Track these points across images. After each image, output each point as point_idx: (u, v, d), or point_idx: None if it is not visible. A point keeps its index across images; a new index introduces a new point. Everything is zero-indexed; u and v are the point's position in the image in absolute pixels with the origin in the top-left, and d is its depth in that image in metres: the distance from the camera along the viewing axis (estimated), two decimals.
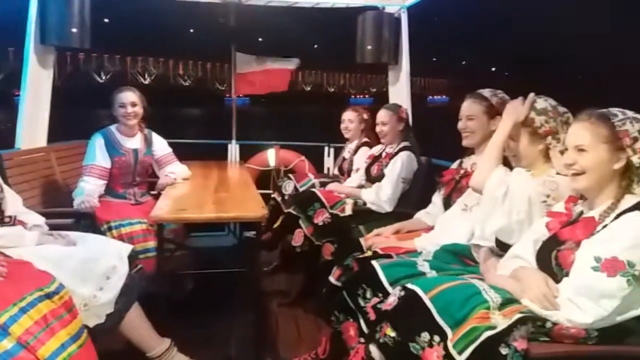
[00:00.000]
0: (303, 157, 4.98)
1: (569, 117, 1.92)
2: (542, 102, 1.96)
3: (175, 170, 3.39)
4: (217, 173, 3.78)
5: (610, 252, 1.40)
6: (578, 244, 1.52)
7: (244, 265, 3.26)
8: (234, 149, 4.89)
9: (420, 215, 2.71)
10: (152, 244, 2.79)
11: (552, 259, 1.58)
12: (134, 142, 3.28)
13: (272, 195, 3.76)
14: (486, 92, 2.42)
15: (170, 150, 3.48)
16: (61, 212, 2.96)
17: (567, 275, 1.51)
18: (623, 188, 1.52)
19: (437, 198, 2.65)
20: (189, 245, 3.27)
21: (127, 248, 2.24)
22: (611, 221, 1.49)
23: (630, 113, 1.54)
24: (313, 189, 3.35)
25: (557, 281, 1.54)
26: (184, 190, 3.18)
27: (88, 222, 2.86)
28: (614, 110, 1.56)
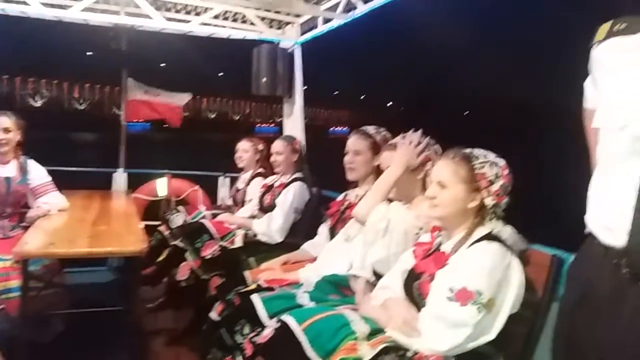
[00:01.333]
0: (196, 187, 4.85)
1: (440, 149, 2.09)
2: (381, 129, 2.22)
3: (49, 201, 3.12)
4: (100, 204, 3.55)
5: (461, 282, 1.50)
6: (433, 276, 1.61)
7: (123, 303, 3.05)
8: (121, 177, 4.66)
9: (307, 246, 2.76)
10: (14, 283, 2.54)
11: (414, 290, 1.67)
12: (7, 170, 3.01)
13: (159, 228, 3.60)
14: (371, 129, 2.55)
15: (49, 179, 3.21)
16: None
17: (426, 305, 1.59)
18: (475, 223, 1.63)
19: (323, 229, 2.73)
20: (61, 283, 3.00)
21: None
22: (463, 252, 1.60)
23: (491, 157, 1.65)
24: (202, 220, 3.27)
25: (420, 310, 1.61)
26: (58, 222, 2.94)
27: None
28: (477, 152, 1.67)
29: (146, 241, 2.56)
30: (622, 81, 1.15)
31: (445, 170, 1.65)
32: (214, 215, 3.58)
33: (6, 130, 2.93)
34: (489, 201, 1.60)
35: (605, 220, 1.18)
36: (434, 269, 1.62)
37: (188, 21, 4.49)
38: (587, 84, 1.37)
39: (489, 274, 1.49)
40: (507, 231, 1.66)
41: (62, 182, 3.30)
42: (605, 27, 1.22)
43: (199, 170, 5.24)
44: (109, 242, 2.50)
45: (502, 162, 1.65)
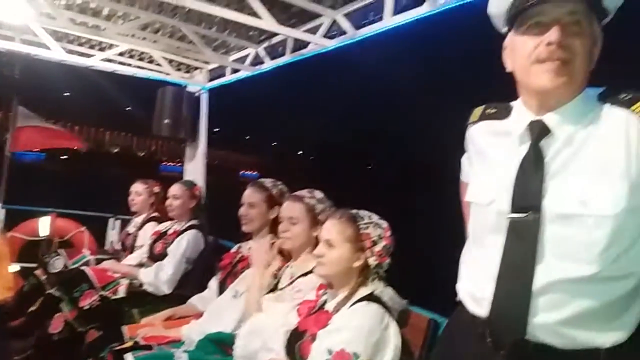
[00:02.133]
0: (83, 229, 4.53)
1: (338, 209, 2.13)
2: (319, 193, 2.18)
3: None
4: None
5: (338, 344, 1.51)
6: (314, 336, 1.61)
7: None
8: None
9: (195, 300, 2.65)
10: None
11: (295, 351, 1.65)
12: None
13: (35, 272, 3.28)
14: (268, 182, 2.55)
15: None
16: None
17: None
18: (358, 283, 1.68)
19: (214, 282, 2.63)
20: None
21: None
22: (344, 312, 1.62)
23: (375, 218, 1.73)
24: (83, 267, 3.04)
25: None
26: None
27: None
28: (363, 213, 1.74)
29: (15, 288, 2.31)
30: (490, 161, 1.26)
31: (332, 230, 1.70)
32: (99, 261, 3.36)
33: None
34: (372, 261, 1.66)
35: (472, 289, 1.24)
36: (315, 329, 1.62)
37: (91, 55, 4.33)
38: (464, 160, 1.47)
39: (366, 335, 1.52)
40: (388, 292, 1.70)
41: None
42: (478, 111, 1.34)
43: (89, 209, 4.92)
44: None
45: (385, 224, 1.73)
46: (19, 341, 3.03)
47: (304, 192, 2.19)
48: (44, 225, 4.32)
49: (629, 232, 1.06)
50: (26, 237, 4.33)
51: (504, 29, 1.23)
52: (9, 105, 4.65)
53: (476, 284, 1.22)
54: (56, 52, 4.01)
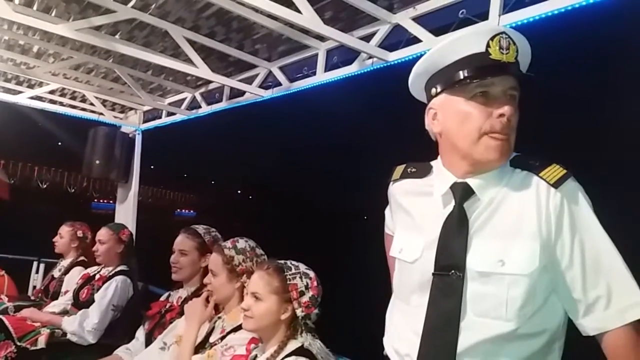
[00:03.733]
0: (2, 272, 4.24)
1: (265, 259, 2.12)
2: (243, 243, 2.13)
3: None
4: None
5: None
6: None
7: None
8: None
9: (120, 351, 2.52)
10: None
11: None
12: None
13: None
14: (200, 228, 2.53)
15: None
16: None
17: None
18: (288, 336, 1.67)
19: (141, 333, 2.53)
20: None
21: None
22: None
23: (302, 268, 1.72)
24: (0, 316, 2.85)
25: None
26: None
27: None
28: (290, 263, 1.74)
29: None
30: (412, 219, 1.29)
31: (259, 282, 1.70)
32: (18, 308, 3.15)
33: None
34: (300, 312, 1.66)
35: (397, 345, 1.25)
36: None
37: (19, 92, 4.20)
38: (387, 212, 1.50)
39: None
40: (316, 345, 1.69)
41: None
42: (400, 169, 1.38)
43: (10, 251, 4.62)
44: None
45: (312, 273, 1.73)
46: None
47: (227, 243, 2.14)
48: None
49: (542, 290, 1.11)
50: None
51: (434, 89, 1.22)
52: None
53: (400, 340, 1.24)
54: None
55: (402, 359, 1.21)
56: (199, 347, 2.05)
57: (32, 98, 4.16)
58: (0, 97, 4.05)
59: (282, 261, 1.76)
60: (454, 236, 1.16)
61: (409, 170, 1.36)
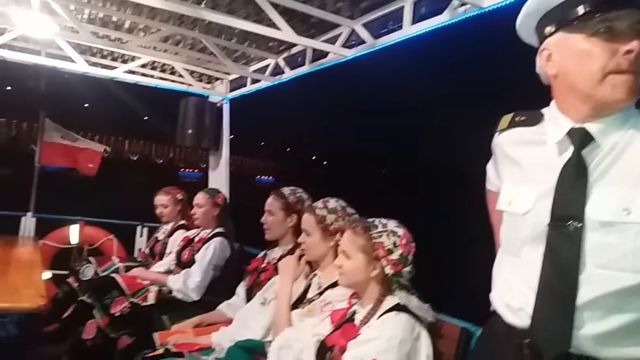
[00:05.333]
0: (111, 236, 4.64)
1: (355, 218, 2.13)
2: (333, 202, 2.17)
3: None
4: (1, 252, 3.28)
5: (370, 354, 1.51)
6: (343, 349, 1.61)
7: None
8: (28, 223, 4.37)
9: (223, 307, 2.68)
10: None
11: None
12: None
13: (67, 280, 3.38)
14: (286, 190, 2.60)
15: None
16: None
17: None
18: (382, 293, 1.68)
19: (241, 289, 2.67)
20: None
21: None
22: (373, 322, 1.62)
23: (391, 226, 1.69)
24: (113, 275, 3.11)
25: None
26: None
27: None
28: (378, 221, 1.72)
29: (50, 294, 2.38)
30: (523, 169, 1.23)
31: (347, 241, 1.72)
32: (128, 268, 3.42)
33: None
34: (388, 270, 1.65)
35: (508, 300, 1.22)
36: (343, 342, 1.62)
37: (114, 67, 4.44)
38: (489, 167, 1.45)
39: (398, 346, 1.51)
40: (414, 302, 1.68)
41: None
42: (507, 118, 1.31)
43: (115, 217, 5.03)
44: (2, 296, 2.32)
45: (401, 231, 1.70)
46: (54, 346, 3.14)
47: (318, 203, 2.20)
48: (73, 234, 4.44)
49: None
50: (57, 245, 4.46)
51: (548, 29, 1.16)
52: (36, 118, 4.79)
53: (512, 295, 1.20)
54: (80, 65, 4.12)
55: (515, 314, 1.18)
56: (298, 303, 2.12)
57: (126, 72, 4.39)
58: (99, 73, 4.30)
59: (371, 219, 1.75)
60: (572, 185, 1.10)
61: (517, 119, 1.29)
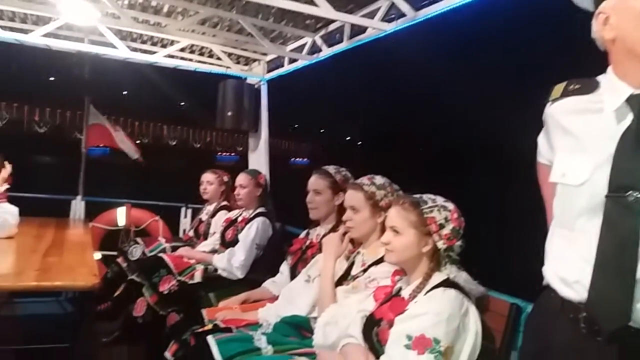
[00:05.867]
0: (157, 217, 4.77)
1: (399, 193, 2.11)
2: (380, 179, 2.15)
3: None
4: (54, 233, 3.42)
5: (418, 329, 1.50)
6: (391, 323, 1.61)
7: (74, 340, 2.93)
8: (78, 205, 4.54)
9: (268, 284, 2.72)
10: None
11: (373, 336, 1.66)
12: None
13: (116, 260, 3.51)
14: (331, 168, 2.59)
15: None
16: None
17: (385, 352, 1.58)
18: (431, 268, 1.66)
19: (285, 267, 2.70)
20: (10, 315, 2.85)
21: None
22: (421, 298, 1.61)
23: (440, 201, 1.68)
24: (161, 254, 3.20)
25: (379, 357, 1.60)
26: (8, 252, 2.82)
27: None
28: (426, 197, 1.70)
29: (100, 274, 2.48)
30: (577, 139, 1.19)
31: (396, 217, 1.69)
32: (174, 248, 3.52)
33: None
34: (441, 245, 1.63)
35: (562, 273, 1.19)
36: (392, 315, 1.62)
37: (154, 52, 4.51)
38: (541, 139, 1.41)
39: (446, 321, 1.49)
40: (463, 277, 1.68)
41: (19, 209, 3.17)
42: (560, 87, 1.27)
43: (159, 199, 5.17)
44: (58, 275, 2.38)
45: (451, 205, 1.69)
46: (106, 324, 3.28)
47: (364, 179, 2.17)
48: (121, 216, 4.60)
49: None
50: (106, 227, 4.63)
51: None
52: (79, 107, 4.94)
53: (567, 268, 1.17)
54: (122, 51, 4.19)
55: (571, 287, 1.15)
56: (342, 280, 2.13)
57: (165, 57, 4.45)
58: (139, 58, 4.38)
59: (418, 195, 1.73)
60: (632, 154, 1.06)
61: (570, 87, 1.24)
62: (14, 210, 3.05)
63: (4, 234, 2.98)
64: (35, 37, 3.95)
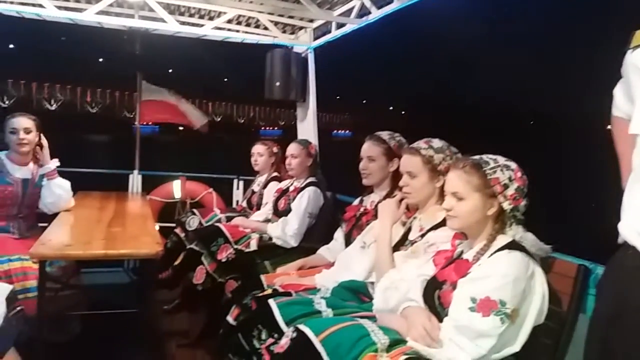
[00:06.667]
0: (211, 190, 4.89)
1: (458, 156, 2.05)
2: (438, 142, 2.09)
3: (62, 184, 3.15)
4: (115, 205, 3.57)
5: (483, 292, 1.47)
6: (454, 285, 1.59)
7: (138, 305, 3.06)
8: (136, 179, 4.69)
9: (322, 251, 2.74)
10: (32, 282, 2.56)
11: (435, 299, 1.65)
12: (25, 172, 3.03)
13: (175, 231, 3.62)
14: (385, 134, 2.54)
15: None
16: None
17: (448, 314, 1.56)
18: (496, 230, 1.62)
19: (339, 234, 2.71)
20: (78, 284, 3.01)
21: (6, 288, 2.02)
22: (485, 261, 1.57)
23: (501, 160, 1.63)
24: (217, 224, 3.27)
25: (441, 320, 1.59)
26: (74, 223, 2.96)
27: None
28: (487, 157, 1.64)
29: (162, 243, 2.55)
30: None
31: (458, 181, 1.64)
32: (229, 219, 3.59)
33: (27, 130, 2.96)
34: (507, 205, 1.59)
35: None
36: (455, 277, 1.59)
37: (201, 25, 4.52)
38: (618, 91, 1.34)
39: (512, 283, 1.46)
40: (529, 238, 1.62)
41: (78, 184, 3.31)
42: None
43: (210, 172, 5.29)
44: (124, 244, 2.50)
45: (513, 164, 1.64)
46: (167, 292, 3.41)
47: (420, 143, 2.10)
48: (176, 189, 4.74)
49: None
50: (163, 199, 4.78)
51: None
52: (130, 85, 5.05)
53: None
54: (171, 25, 4.21)
55: None
56: (399, 245, 2.11)
57: (213, 29, 4.45)
58: (189, 31, 4.40)
59: (477, 157, 1.67)
60: None
61: None
62: (65, 184, 3.17)
63: (61, 207, 3.12)
64: (89, 15, 4.04)
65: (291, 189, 3.34)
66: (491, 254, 1.57)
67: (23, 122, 2.96)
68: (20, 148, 2.96)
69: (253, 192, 3.89)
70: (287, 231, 3.07)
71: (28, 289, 2.55)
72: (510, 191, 1.59)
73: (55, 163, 3.12)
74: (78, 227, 2.91)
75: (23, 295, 2.44)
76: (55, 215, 3.04)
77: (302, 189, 3.20)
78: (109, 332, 2.93)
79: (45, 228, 2.82)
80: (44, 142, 3.09)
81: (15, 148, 2.96)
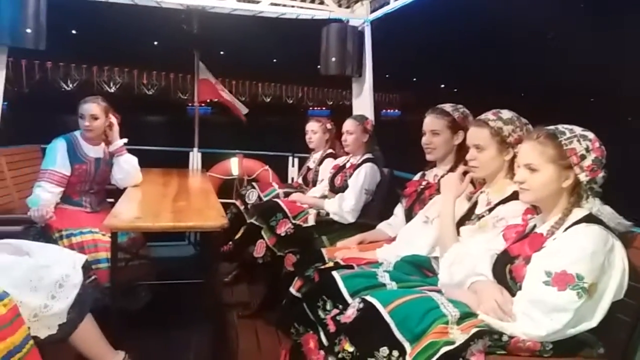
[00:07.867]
0: (267, 167, 4.97)
1: (529, 128, 1.97)
2: (507, 113, 2.00)
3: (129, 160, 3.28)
4: (178, 181, 3.69)
5: (559, 266, 1.43)
6: (528, 259, 1.54)
7: (203, 276, 3.18)
8: (195, 157, 4.83)
9: (382, 226, 2.72)
10: (103, 254, 2.70)
11: (506, 273, 1.61)
12: (98, 151, 3.18)
13: (235, 203, 3.71)
14: (448, 107, 2.46)
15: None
16: (11, 219, 2.84)
17: (521, 288, 1.53)
18: (572, 203, 1.56)
19: (399, 209, 2.67)
20: (146, 255, 3.15)
21: (81, 258, 2.15)
22: (560, 234, 1.52)
23: (578, 130, 1.57)
24: (276, 199, 3.32)
25: (513, 294, 1.56)
26: (142, 197, 3.08)
27: (38, 230, 2.74)
28: (562, 127, 1.58)
29: (226, 217, 2.62)
30: None
31: (531, 153, 1.58)
32: (286, 194, 3.64)
33: (94, 116, 3.08)
34: (584, 177, 1.52)
35: None
36: (529, 251, 1.55)
37: (258, 1, 4.51)
38: None
39: (590, 257, 1.41)
40: (607, 212, 1.56)
41: (140, 161, 3.44)
42: None
43: (265, 150, 5.36)
44: (190, 217, 2.57)
45: (591, 134, 1.56)
46: (229, 264, 3.52)
47: (488, 115, 2.01)
48: (234, 166, 4.85)
49: None
50: (222, 176, 4.91)
51: None
52: (184, 68, 5.13)
53: None
54: (228, 2, 4.22)
55: None
56: (464, 220, 2.06)
57: (270, 5, 4.42)
58: (246, 7, 4.40)
59: (552, 127, 1.59)
60: None
61: None
62: (133, 160, 3.30)
63: (130, 182, 3.26)
64: None
65: (348, 165, 3.33)
66: (567, 228, 1.51)
67: (91, 108, 3.08)
68: (86, 134, 3.11)
69: (308, 169, 3.92)
70: (344, 207, 3.07)
71: (99, 260, 2.68)
72: (588, 162, 1.52)
73: (122, 141, 3.25)
74: (145, 201, 3.03)
75: (95, 266, 2.56)
76: (122, 191, 3.17)
77: (359, 165, 3.18)
78: (176, 301, 3.07)
79: (113, 203, 2.94)
80: (114, 121, 3.22)
81: (83, 132, 3.11)
